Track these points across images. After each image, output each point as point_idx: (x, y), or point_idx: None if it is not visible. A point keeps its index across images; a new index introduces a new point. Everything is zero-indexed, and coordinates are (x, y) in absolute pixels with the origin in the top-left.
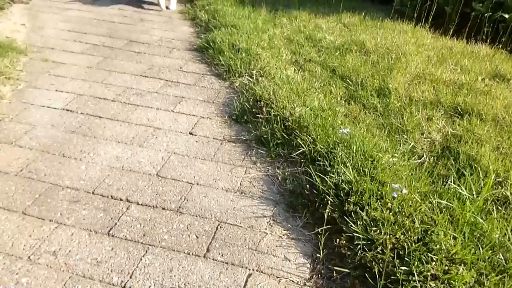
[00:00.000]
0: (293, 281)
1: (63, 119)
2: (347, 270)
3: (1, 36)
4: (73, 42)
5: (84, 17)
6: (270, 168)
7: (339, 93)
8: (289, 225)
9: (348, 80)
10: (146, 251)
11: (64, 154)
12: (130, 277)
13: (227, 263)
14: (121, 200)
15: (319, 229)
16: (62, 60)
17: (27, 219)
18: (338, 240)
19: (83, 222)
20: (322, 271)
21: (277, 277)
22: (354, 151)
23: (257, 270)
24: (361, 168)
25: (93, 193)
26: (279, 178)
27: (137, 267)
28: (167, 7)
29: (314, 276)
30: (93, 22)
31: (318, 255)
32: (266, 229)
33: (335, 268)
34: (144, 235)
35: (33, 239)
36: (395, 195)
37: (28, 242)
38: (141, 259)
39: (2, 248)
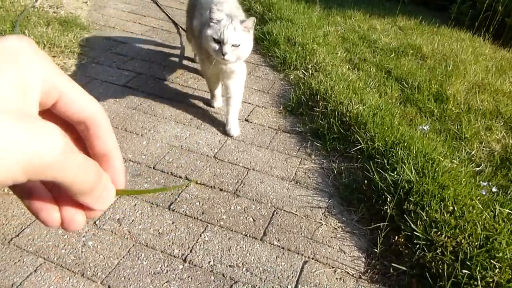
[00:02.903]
0: (348, 273)
1: (124, 95)
2: (404, 268)
3: (65, 12)
4: (133, 23)
5: (143, 0)
6: (325, 161)
7: (395, 95)
8: (343, 218)
9: (404, 82)
10: (205, 228)
11: (127, 129)
12: (190, 251)
13: (283, 248)
14: (180, 177)
15: (379, 224)
16: (123, 40)
17: None
18: (396, 237)
19: (146, 195)
20: (378, 267)
21: (332, 267)
22: (414, 152)
23: (312, 258)
24: (421, 169)
25: (154, 168)
26: (334, 172)
27: (196, 242)
28: (228, 133)
29: (369, 271)
30: (151, 6)
31: (375, 250)
32: (321, 219)
33: (392, 265)
34: (203, 213)
35: None
36: (484, 193)
37: None
38: (200, 235)
39: None
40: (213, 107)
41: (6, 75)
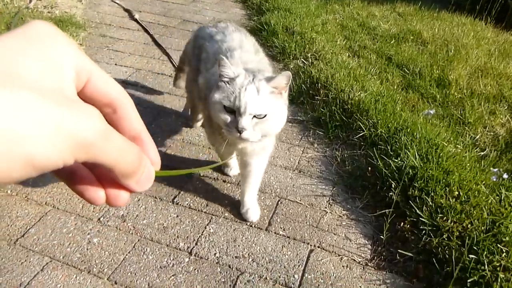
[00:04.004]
0: (354, 260)
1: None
2: (410, 254)
3: (60, 11)
4: (129, 19)
5: None
6: (328, 149)
7: (396, 81)
8: (348, 205)
9: (405, 68)
10: (210, 220)
11: None
12: (196, 243)
13: (289, 237)
14: None
15: (384, 211)
16: (119, 36)
17: None
18: (401, 224)
19: (149, 189)
20: (384, 253)
21: (339, 255)
22: (418, 138)
23: (318, 247)
24: (425, 155)
25: None
26: (338, 160)
27: (201, 234)
28: (246, 218)
29: (375, 258)
30: (147, 1)
31: (380, 236)
32: (325, 208)
33: (398, 251)
34: (207, 205)
35: None
36: (495, 179)
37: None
38: (205, 227)
39: (73, 209)
40: (228, 175)
41: (43, 57)
